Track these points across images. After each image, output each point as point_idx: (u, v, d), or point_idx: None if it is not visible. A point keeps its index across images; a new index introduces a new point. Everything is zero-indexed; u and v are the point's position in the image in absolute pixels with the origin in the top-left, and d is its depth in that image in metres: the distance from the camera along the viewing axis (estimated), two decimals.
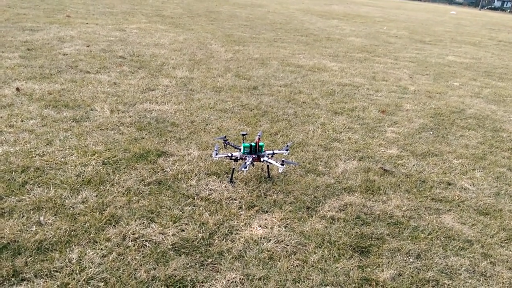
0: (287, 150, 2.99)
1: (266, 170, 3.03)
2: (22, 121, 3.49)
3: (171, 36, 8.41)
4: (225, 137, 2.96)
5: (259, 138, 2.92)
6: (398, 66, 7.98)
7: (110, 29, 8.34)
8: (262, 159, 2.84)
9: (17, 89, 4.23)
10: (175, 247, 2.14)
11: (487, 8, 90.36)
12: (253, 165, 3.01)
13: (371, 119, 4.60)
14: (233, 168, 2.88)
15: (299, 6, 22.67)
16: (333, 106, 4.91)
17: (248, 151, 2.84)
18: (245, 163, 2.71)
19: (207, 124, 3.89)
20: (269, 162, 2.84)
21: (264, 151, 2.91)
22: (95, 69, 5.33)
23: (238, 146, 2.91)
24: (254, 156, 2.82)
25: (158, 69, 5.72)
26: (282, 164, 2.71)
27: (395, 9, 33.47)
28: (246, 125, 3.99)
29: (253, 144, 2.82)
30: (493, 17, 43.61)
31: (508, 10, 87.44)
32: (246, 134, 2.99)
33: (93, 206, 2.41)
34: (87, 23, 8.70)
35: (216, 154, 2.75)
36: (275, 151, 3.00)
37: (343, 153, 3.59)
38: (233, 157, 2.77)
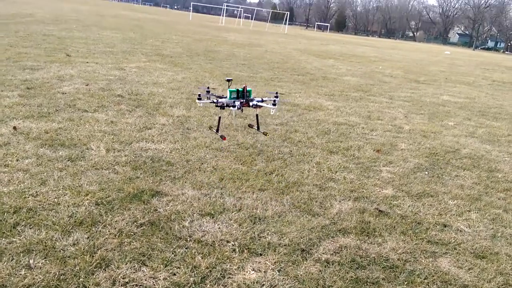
0: (274, 105, 2.82)
1: (256, 124, 2.87)
2: (17, 160, 3.50)
3: (170, 75, 8.55)
4: (208, 88, 2.82)
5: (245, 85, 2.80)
6: (393, 105, 8.09)
7: (110, 68, 8.49)
8: (251, 103, 2.70)
9: (14, 128, 4.26)
10: None
11: (480, 48, 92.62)
12: (242, 111, 2.85)
13: (366, 158, 4.62)
14: (219, 117, 2.73)
15: (296, 46, 23.22)
16: (328, 145, 4.94)
17: (235, 96, 2.68)
18: (235, 105, 2.52)
19: (202, 163, 3.89)
20: (259, 106, 2.71)
21: (253, 97, 2.77)
22: (93, 108, 5.38)
23: (223, 95, 2.73)
24: (242, 100, 2.67)
25: (155, 108, 5.78)
26: (274, 105, 2.55)
27: (390, 49, 34.30)
28: (241, 164, 3.99)
29: (240, 89, 2.68)
30: (487, 57, 44.66)
31: (502, 50, 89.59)
32: (231, 79, 2.89)
33: (84, 249, 2.38)
34: (87, 62, 8.86)
35: (200, 99, 2.56)
36: (264, 98, 2.84)
37: (338, 193, 3.58)
38: (219, 103, 2.58)
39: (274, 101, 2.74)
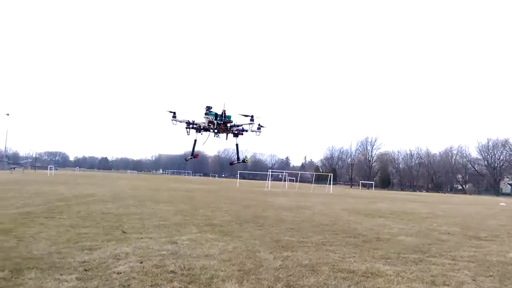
0: (252, 120, 2.77)
1: (236, 153, 2.76)
2: None
3: (221, 245, 8.59)
4: (174, 112, 2.81)
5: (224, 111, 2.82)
6: (458, 267, 7.53)
7: (163, 242, 8.69)
8: (229, 125, 2.64)
9: None
10: None
11: None
12: (219, 137, 2.75)
13: None
14: (195, 140, 2.60)
15: (344, 206, 23.25)
16: None
17: (213, 118, 2.59)
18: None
19: None
20: (237, 126, 2.60)
21: (231, 121, 2.73)
22: (146, 287, 5.36)
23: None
24: (220, 123, 2.59)
25: (207, 283, 5.68)
26: (252, 120, 2.45)
27: (441, 204, 33.53)
28: None
29: (218, 113, 2.64)
30: None
31: None
32: (210, 107, 2.86)
33: None
34: (141, 237, 9.16)
35: (175, 118, 2.50)
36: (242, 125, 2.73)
37: None
38: (195, 125, 2.46)
39: (251, 119, 2.89)
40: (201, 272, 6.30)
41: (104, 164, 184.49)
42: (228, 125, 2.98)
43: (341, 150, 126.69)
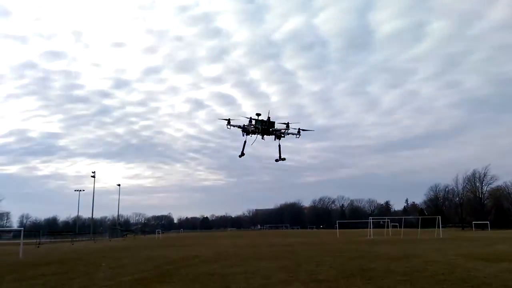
0: (287, 127, 2.68)
1: (278, 152, 2.68)
2: None
3: None
4: (229, 119, 2.91)
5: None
6: None
7: None
8: (271, 129, 2.60)
9: None
10: None
11: None
12: (264, 139, 2.72)
13: None
14: (245, 141, 2.63)
15: (458, 251, 21.24)
16: None
17: (259, 124, 2.68)
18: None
19: None
20: (278, 130, 2.52)
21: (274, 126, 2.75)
22: None
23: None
24: (265, 127, 2.62)
25: None
26: (288, 127, 2.37)
27: None
28: None
29: (264, 119, 2.70)
30: None
31: None
32: (259, 114, 2.91)
33: None
34: None
35: (229, 124, 2.58)
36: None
37: None
38: (246, 129, 2.61)
39: (299, 131, 2.99)
40: None
41: (205, 224, 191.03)
42: (271, 129, 3.53)
43: (446, 189, 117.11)
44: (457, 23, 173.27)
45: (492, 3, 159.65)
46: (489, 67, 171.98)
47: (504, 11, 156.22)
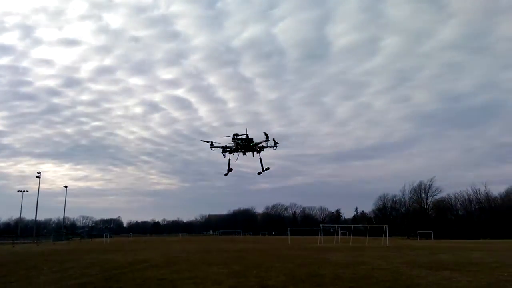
0: (267, 138, 2.89)
1: (261, 165, 2.90)
2: None
3: None
4: (212, 141, 3.08)
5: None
6: None
7: None
8: (251, 144, 2.79)
9: None
10: None
11: None
12: (246, 154, 2.93)
13: None
14: (229, 159, 2.80)
15: (403, 259, 21.98)
16: None
17: (241, 141, 2.89)
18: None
19: None
20: (257, 144, 2.73)
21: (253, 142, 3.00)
22: None
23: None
24: (245, 144, 2.83)
25: None
26: (267, 138, 2.54)
27: (509, 251, 30.95)
28: None
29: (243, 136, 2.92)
30: None
31: None
32: (237, 134, 3.13)
33: None
34: None
35: (212, 146, 2.72)
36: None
37: None
38: (228, 149, 2.79)
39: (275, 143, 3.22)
40: None
41: (156, 228, 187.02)
42: (251, 144, 3.71)
43: (394, 199, 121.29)
44: (409, 40, 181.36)
45: (442, 23, 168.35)
46: (437, 84, 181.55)
47: (454, 31, 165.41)
